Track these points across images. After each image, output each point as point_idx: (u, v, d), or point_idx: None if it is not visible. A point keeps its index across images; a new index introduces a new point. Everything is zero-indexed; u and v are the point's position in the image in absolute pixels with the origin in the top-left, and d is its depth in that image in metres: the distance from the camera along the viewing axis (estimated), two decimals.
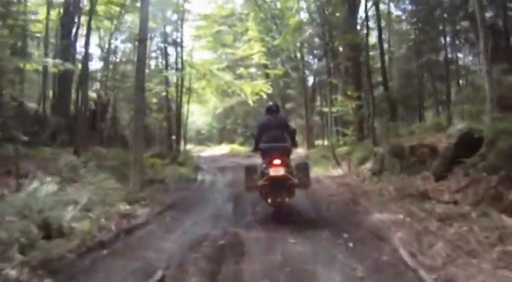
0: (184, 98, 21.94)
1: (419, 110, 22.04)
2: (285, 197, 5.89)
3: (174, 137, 21.43)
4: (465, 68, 22.13)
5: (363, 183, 10.22)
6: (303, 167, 6.12)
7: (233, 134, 38.32)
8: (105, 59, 22.58)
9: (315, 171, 12.86)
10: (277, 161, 5.66)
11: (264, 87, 20.63)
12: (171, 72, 20.71)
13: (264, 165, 5.97)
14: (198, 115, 52.04)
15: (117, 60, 25.23)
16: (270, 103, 8.27)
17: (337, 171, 13.41)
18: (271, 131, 6.31)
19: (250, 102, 21.57)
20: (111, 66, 23.09)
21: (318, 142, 26.03)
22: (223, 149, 35.32)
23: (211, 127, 46.00)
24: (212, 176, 14.77)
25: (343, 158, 14.79)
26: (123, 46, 26.65)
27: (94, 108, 18.22)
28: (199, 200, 9.34)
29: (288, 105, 27.79)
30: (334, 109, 16.72)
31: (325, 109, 20.12)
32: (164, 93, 20.86)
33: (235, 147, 34.22)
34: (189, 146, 52.72)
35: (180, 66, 20.80)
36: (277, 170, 5.64)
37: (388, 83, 19.61)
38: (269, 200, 5.97)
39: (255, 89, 20.64)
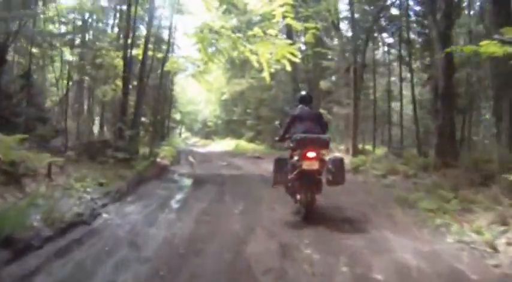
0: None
1: None
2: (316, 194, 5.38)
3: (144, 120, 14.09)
4: None
5: None
6: (338, 163, 5.52)
7: (241, 126, 30.87)
8: None
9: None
10: (311, 154, 5.19)
11: (289, 49, 13.06)
12: None
13: (296, 158, 5.35)
14: (205, 105, 45.35)
15: None
16: (303, 92, 6.95)
17: None
18: (304, 122, 5.81)
19: (267, 78, 14.06)
20: None
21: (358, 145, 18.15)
22: (228, 144, 28.10)
23: (218, 119, 38.60)
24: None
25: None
26: None
27: None
28: None
29: (324, 85, 20.09)
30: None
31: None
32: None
33: (242, 143, 26.79)
34: (195, 139, 47.90)
35: None
36: (311, 164, 5.19)
37: None
38: (298, 197, 5.45)
39: (277, 53, 13.11)
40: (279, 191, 6.28)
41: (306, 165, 5.20)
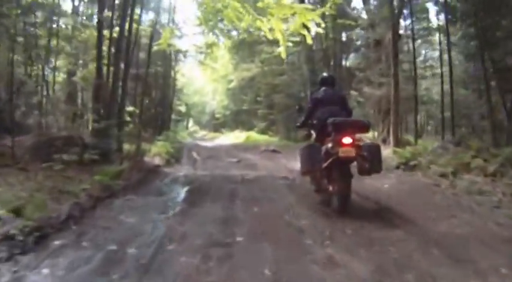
0: None
1: None
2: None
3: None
4: None
5: None
6: (375, 149, 5.03)
7: (252, 116, 28.10)
8: None
9: None
10: (347, 140, 4.72)
11: (310, 15, 10.18)
12: None
13: (329, 144, 4.78)
14: (212, 96, 42.62)
15: None
16: (325, 74, 6.69)
17: None
18: (328, 106, 5.41)
19: (283, 53, 11.19)
20: None
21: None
22: (237, 136, 25.45)
23: (227, 109, 35.84)
24: None
25: None
26: None
27: None
28: None
29: (353, 62, 17.29)
30: None
31: None
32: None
33: (253, 135, 24.05)
34: (203, 132, 45.39)
35: None
36: (347, 151, 4.67)
37: None
38: (331, 188, 4.90)
39: (295, 22, 10.27)
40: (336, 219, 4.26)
41: (342, 152, 4.70)
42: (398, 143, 11.40)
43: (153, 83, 19.99)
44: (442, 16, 14.58)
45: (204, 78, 40.02)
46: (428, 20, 16.94)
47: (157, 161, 9.94)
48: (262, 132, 25.05)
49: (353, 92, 16.92)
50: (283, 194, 6.17)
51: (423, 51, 17.01)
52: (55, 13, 11.73)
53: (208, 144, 23.05)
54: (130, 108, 11.66)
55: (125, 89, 9.71)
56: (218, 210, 4.86)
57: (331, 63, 19.71)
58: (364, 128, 5.22)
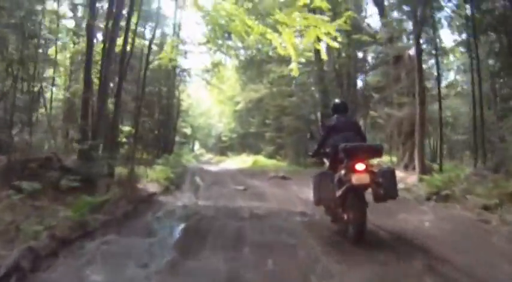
0: None
1: None
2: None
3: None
4: None
5: None
6: (389, 175, 4.83)
7: (259, 140, 26.98)
8: None
9: None
10: (360, 166, 4.52)
11: (326, 27, 9.22)
12: None
13: (342, 171, 4.68)
14: (218, 119, 41.74)
15: None
16: (337, 100, 6.48)
17: None
18: (342, 133, 5.23)
19: (295, 70, 10.25)
20: None
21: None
22: (244, 160, 24.32)
23: (233, 132, 34.81)
24: None
25: None
26: None
27: None
28: None
29: (368, 81, 16.25)
30: None
31: None
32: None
33: (261, 159, 22.89)
34: (209, 155, 44.31)
35: None
36: (361, 178, 4.48)
37: None
38: (345, 217, 4.70)
39: (308, 34, 9.29)
40: None
41: (356, 179, 4.46)
42: (425, 169, 10.14)
43: (155, 103, 18.98)
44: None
45: (210, 100, 39.28)
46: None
47: (153, 188, 8.76)
48: (270, 156, 23.91)
49: (371, 113, 15.78)
50: (303, 238, 4.90)
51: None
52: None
53: (214, 168, 21.88)
54: (126, 128, 10.52)
55: (118, 105, 8.59)
56: (220, 264, 3.59)
57: (344, 83, 18.65)
58: (377, 152, 5.09)
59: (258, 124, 27.10)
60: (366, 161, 4.61)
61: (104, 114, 8.10)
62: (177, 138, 32.52)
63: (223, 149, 38.28)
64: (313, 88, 21.91)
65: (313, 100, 20.97)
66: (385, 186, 4.68)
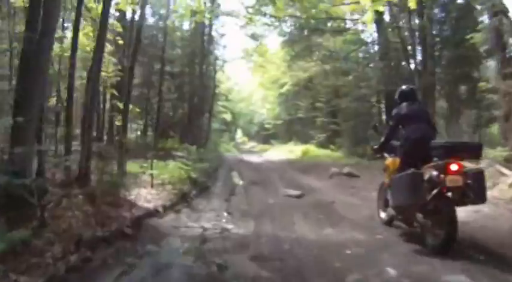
0: None
1: None
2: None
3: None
4: None
5: None
6: (480, 176, 4.19)
7: (309, 126, 23.43)
8: None
9: None
10: (454, 166, 4.04)
11: None
12: None
13: (433, 172, 4.08)
14: (261, 104, 38.41)
15: None
16: (404, 87, 5.39)
17: None
18: (416, 124, 4.69)
19: (370, 19, 6.66)
20: None
21: None
22: (291, 150, 20.96)
23: (278, 119, 31.32)
24: None
25: None
26: None
27: None
28: None
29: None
30: None
31: None
32: None
33: (312, 149, 19.35)
34: (251, 144, 41.24)
35: None
36: (455, 179, 4.00)
37: None
38: (429, 223, 4.15)
39: None
40: None
41: (449, 181, 3.98)
42: None
43: (186, 83, 15.94)
44: None
45: (252, 84, 36.14)
46: None
47: (157, 198, 5.50)
48: (322, 145, 20.27)
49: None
50: None
51: None
52: None
53: (256, 159, 18.64)
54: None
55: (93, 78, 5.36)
56: None
57: (416, 58, 14.70)
58: (477, 152, 4.44)
59: (307, 108, 23.45)
60: (459, 162, 4.05)
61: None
62: (216, 125, 29.79)
63: (267, 137, 35.07)
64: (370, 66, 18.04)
65: (376, 78, 17.13)
66: (475, 189, 4.03)
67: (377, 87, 16.63)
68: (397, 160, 4.80)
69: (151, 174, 6.16)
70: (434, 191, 3.97)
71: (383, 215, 5.11)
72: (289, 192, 7.48)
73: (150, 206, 5.06)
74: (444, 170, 4.01)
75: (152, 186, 6.10)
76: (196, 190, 7.13)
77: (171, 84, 19.09)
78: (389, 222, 4.91)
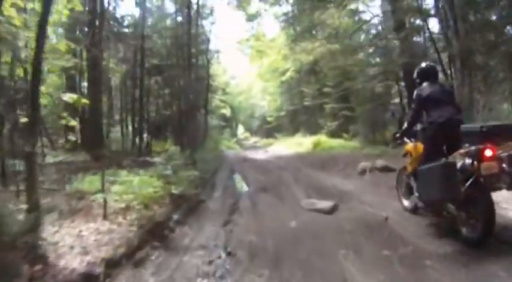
0: None
1: None
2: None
3: None
4: None
5: None
6: None
7: (317, 115, 21.21)
8: None
9: None
10: (489, 152, 3.57)
11: None
12: None
13: (467, 160, 3.66)
14: (262, 95, 36.13)
15: None
16: (424, 64, 4.78)
17: None
18: (441, 106, 4.18)
19: None
20: None
21: None
22: (300, 143, 18.79)
23: (280, 110, 29.03)
24: None
25: None
26: None
27: None
28: None
29: None
30: None
31: None
32: None
33: (324, 139, 17.13)
34: (254, 139, 39.20)
35: None
36: (490, 166, 3.52)
37: None
38: (463, 214, 3.71)
39: None
40: None
41: (484, 168, 3.51)
42: None
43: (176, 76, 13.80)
44: None
45: (250, 76, 33.93)
46: None
47: (103, 244, 3.25)
48: (333, 135, 17.98)
49: None
50: None
51: None
52: None
53: (261, 155, 16.34)
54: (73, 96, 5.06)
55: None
56: None
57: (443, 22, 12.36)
58: None
59: (314, 95, 21.10)
60: (494, 146, 3.56)
61: None
62: (215, 122, 27.57)
63: (270, 130, 32.82)
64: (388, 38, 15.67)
65: (392, 53, 14.84)
66: (510, 173, 3.56)
67: (397, 62, 14.26)
68: (419, 145, 4.47)
69: (104, 199, 3.90)
70: (469, 182, 3.56)
71: (406, 203, 4.77)
72: (315, 204, 5.22)
73: (84, 262, 2.82)
74: (478, 156, 3.57)
75: (105, 217, 3.85)
76: (180, 212, 4.88)
77: (160, 79, 16.98)
78: (413, 211, 4.53)
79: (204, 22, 18.40)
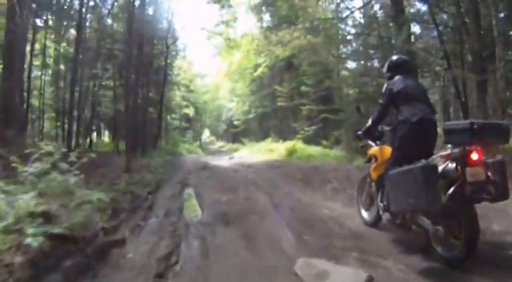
0: None
1: None
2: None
3: None
4: None
5: None
6: (500, 167, 3.26)
7: (290, 118, 18.82)
8: None
9: None
10: (475, 156, 3.11)
11: None
12: None
13: (449, 164, 3.17)
14: (230, 97, 33.57)
15: None
16: (395, 57, 4.37)
17: None
18: (413, 103, 3.72)
19: None
20: None
21: None
22: (270, 149, 16.41)
23: (249, 113, 26.49)
24: None
25: None
26: None
27: None
28: None
29: None
30: None
31: None
32: None
33: (300, 146, 14.69)
34: (220, 143, 36.67)
35: None
36: (476, 172, 3.06)
37: None
38: (441, 229, 3.22)
39: None
40: None
41: (470, 174, 3.05)
42: None
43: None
44: None
45: (218, 74, 31.41)
46: None
47: None
48: (309, 141, 15.54)
49: None
50: None
51: None
52: None
53: (225, 162, 13.62)
54: None
55: None
56: None
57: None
58: (505, 135, 3.37)
59: (288, 95, 18.65)
60: (480, 149, 3.14)
61: None
62: (176, 122, 24.81)
63: (236, 135, 30.53)
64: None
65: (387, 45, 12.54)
66: (496, 183, 3.14)
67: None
68: (387, 148, 4.00)
69: None
70: (451, 190, 3.03)
71: (365, 214, 4.41)
72: (324, 276, 2.57)
73: None
74: (463, 160, 3.08)
75: None
76: None
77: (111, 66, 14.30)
78: (374, 224, 4.14)
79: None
